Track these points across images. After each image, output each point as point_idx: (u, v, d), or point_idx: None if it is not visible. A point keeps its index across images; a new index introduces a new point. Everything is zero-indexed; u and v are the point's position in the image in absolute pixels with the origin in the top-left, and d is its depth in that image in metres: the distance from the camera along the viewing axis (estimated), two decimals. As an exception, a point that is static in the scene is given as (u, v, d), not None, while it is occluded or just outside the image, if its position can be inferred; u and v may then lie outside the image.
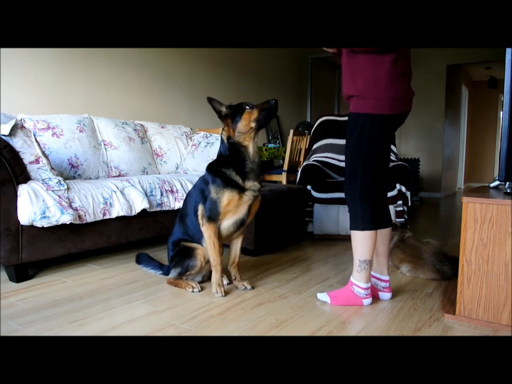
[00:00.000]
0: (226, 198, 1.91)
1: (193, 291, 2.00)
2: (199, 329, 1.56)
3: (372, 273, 1.94)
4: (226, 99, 4.95)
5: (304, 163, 3.56)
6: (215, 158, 2.07)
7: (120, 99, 3.63)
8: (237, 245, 2.11)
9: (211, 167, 2.02)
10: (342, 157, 3.74)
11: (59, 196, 2.16)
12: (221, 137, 2.00)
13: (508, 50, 1.61)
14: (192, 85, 4.38)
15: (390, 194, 3.13)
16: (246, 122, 1.91)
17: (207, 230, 1.95)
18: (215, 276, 1.97)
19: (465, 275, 1.64)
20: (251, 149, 1.95)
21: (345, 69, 1.77)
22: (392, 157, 3.67)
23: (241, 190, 1.93)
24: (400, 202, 3.16)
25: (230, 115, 1.94)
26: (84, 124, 2.91)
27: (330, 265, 2.50)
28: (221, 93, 4.80)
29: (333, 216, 3.18)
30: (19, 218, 2.03)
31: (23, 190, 2.04)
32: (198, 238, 2.05)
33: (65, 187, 2.23)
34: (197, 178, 3.15)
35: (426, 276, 2.22)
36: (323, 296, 1.90)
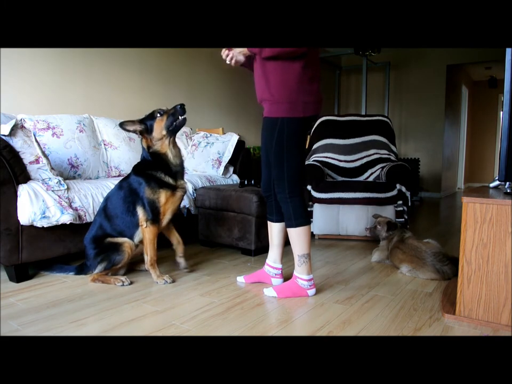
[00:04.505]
0: (163, 197, 2.09)
1: (123, 285, 2.06)
2: (199, 329, 1.56)
3: (267, 261, 2.11)
4: (226, 99, 4.98)
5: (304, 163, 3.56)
6: (140, 160, 2.21)
7: (120, 99, 3.63)
8: (176, 236, 2.28)
9: (140, 170, 2.15)
10: (342, 157, 3.74)
11: (59, 196, 2.16)
12: (142, 145, 2.16)
13: (508, 50, 1.61)
14: (192, 85, 4.38)
15: (390, 194, 3.13)
16: (159, 130, 2.08)
17: (150, 232, 2.09)
18: (156, 271, 2.12)
19: (465, 275, 1.64)
20: (170, 154, 2.12)
21: (258, 74, 1.85)
22: (392, 157, 3.67)
23: (174, 188, 2.13)
24: (400, 202, 3.16)
25: (145, 128, 2.10)
26: (83, 124, 2.91)
27: (331, 265, 2.50)
28: (221, 93, 4.81)
29: (333, 216, 3.18)
30: (19, 218, 2.03)
31: (23, 190, 2.04)
32: (130, 235, 2.15)
33: (65, 187, 2.23)
34: (195, 178, 3.16)
35: (426, 276, 2.22)
36: (270, 292, 1.96)
